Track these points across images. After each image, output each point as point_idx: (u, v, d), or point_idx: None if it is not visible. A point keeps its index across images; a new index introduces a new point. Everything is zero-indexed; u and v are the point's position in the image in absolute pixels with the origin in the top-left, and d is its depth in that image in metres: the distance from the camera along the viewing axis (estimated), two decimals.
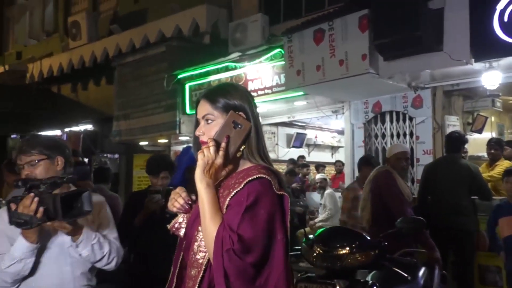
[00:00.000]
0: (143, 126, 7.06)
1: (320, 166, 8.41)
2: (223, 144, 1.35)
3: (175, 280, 1.47)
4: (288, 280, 1.33)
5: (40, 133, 2.73)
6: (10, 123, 8.81)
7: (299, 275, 2.76)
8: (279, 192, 1.36)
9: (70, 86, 9.35)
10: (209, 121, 1.43)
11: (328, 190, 6.59)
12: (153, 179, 3.33)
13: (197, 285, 1.33)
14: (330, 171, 8.99)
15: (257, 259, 1.26)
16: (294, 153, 8.64)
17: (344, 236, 2.60)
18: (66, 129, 8.69)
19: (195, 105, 1.53)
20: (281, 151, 8.56)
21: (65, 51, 8.75)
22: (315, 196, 7.19)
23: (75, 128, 8.49)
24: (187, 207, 1.49)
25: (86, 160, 8.60)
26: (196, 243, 1.39)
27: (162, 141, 7.45)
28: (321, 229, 2.83)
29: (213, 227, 1.29)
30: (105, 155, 8.95)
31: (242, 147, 1.40)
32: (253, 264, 1.25)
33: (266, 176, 1.35)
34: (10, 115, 8.93)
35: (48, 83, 9.46)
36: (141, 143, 7.69)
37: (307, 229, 6.05)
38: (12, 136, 9.84)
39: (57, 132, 8.98)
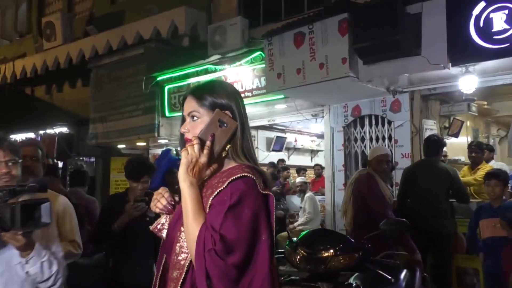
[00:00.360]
0: (120, 129, 6.92)
1: (301, 170, 8.44)
2: (208, 143, 1.33)
3: (157, 283, 1.43)
4: (274, 281, 1.30)
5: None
6: None
7: (282, 278, 2.74)
8: (264, 192, 1.33)
9: (45, 87, 9.10)
10: (195, 118, 1.41)
11: (308, 194, 6.60)
12: (133, 184, 3.25)
13: (179, 287, 1.30)
14: (310, 174, 9.03)
15: (240, 260, 1.23)
16: (274, 157, 8.65)
17: (327, 239, 2.58)
18: (41, 132, 8.46)
19: (178, 105, 1.49)
20: (261, 155, 8.54)
21: (39, 52, 8.51)
22: (295, 200, 7.19)
23: (49, 131, 8.27)
24: (170, 207, 1.46)
25: (60, 163, 8.41)
26: (178, 244, 1.35)
27: (141, 144, 7.32)
28: (305, 232, 2.81)
29: (196, 227, 1.26)
30: (81, 158, 8.75)
31: (228, 146, 1.37)
32: (236, 265, 1.22)
33: (250, 175, 1.32)
34: None
35: (21, 85, 9.18)
36: (119, 146, 7.55)
37: (284, 233, 6.05)
38: None
39: (31, 135, 8.74)
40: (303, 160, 9.79)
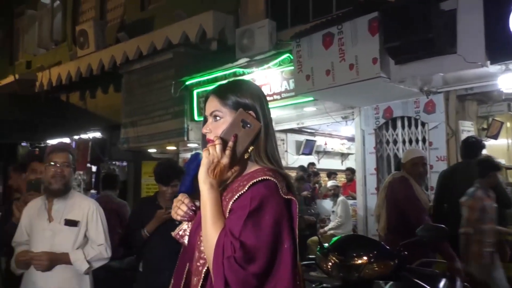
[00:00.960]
0: (151, 133, 7.00)
1: (332, 174, 8.29)
2: (230, 143, 1.27)
3: None
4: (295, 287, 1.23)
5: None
6: (20, 132, 8.85)
7: (313, 285, 2.67)
8: (286, 197, 1.27)
9: (79, 94, 9.37)
10: (217, 118, 1.36)
11: (341, 197, 6.48)
12: (163, 187, 3.26)
13: None
14: (340, 178, 8.87)
15: (261, 269, 1.17)
16: (304, 161, 8.53)
17: (361, 245, 2.46)
18: (75, 137, 8.69)
19: (203, 107, 1.45)
20: (291, 158, 8.46)
21: (73, 59, 8.77)
22: (326, 204, 7.06)
23: (83, 136, 8.47)
24: (191, 213, 1.42)
25: (94, 168, 8.61)
26: (197, 250, 1.32)
27: (171, 148, 7.39)
28: (336, 237, 2.71)
29: (214, 232, 1.21)
30: (113, 162, 8.92)
31: (250, 148, 1.32)
32: (256, 274, 1.16)
33: (272, 179, 1.26)
34: (20, 124, 8.97)
35: (57, 92, 9.49)
36: (149, 150, 7.64)
37: (315, 238, 5.93)
38: (22, 144, 9.88)
39: (66, 140, 8.99)
40: (334, 164, 9.63)
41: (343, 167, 9.27)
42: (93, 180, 8.69)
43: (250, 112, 1.34)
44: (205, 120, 1.40)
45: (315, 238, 5.93)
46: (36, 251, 2.50)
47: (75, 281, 2.54)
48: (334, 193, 6.61)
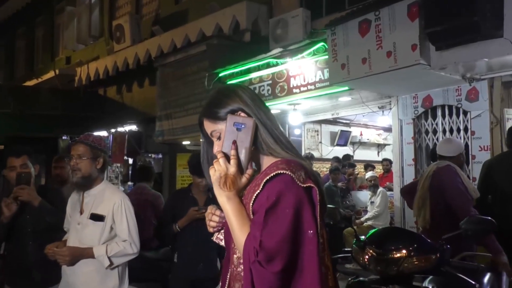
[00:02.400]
0: (185, 126, 7.06)
1: (369, 166, 8.12)
2: (232, 152, 1.27)
3: None
4: (323, 281, 1.20)
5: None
6: (61, 125, 9.16)
7: (349, 279, 2.60)
8: (304, 185, 1.23)
9: (115, 88, 9.58)
10: (218, 136, 1.36)
11: (381, 188, 6.37)
12: (197, 179, 3.27)
13: None
14: (377, 169, 8.66)
15: (283, 265, 1.15)
16: (339, 152, 8.39)
17: (399, 238, 2.37)
18: (112, 130, 8.90)
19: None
20: (325, 150, 8.34)
21: (110, 54, 8.96)
22: (362, 196, 6.93)
23: (120, 129, 8.67)
24: (224, 220, 1.42)
25: (130, 160, 8.79)
26: (235, 255, 1.30)
27: None
28: (374, 230, 2.63)
29: (242, 239, 1.22)
30: (149, 155, 9.09)
31: (252, 147, 1.31)
32: (279, 272, 1.15)
33: (286, 172, 1.22)
34: (61, 118, 9.29)
35: (95, 86, 9.75)
36: (184, 143, 7.72)
37: (351, 229, 5.82)
38: (63, 137, 10.24)
39: (104, 133, 9.23)
40: (369, 155, 9.42)
41: (379, 158, 9.06)
42: (130, 172, 8.89)
43: (238, 112, 1.33)
44: (210, 144, 1.41)
45: (351, 229, 5.82)
46: (69, 241, 2.56)
47: (100, 275, 2.52)
48: (374, 184, 6.51)
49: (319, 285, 1.18)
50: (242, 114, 1.33)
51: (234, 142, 1.28)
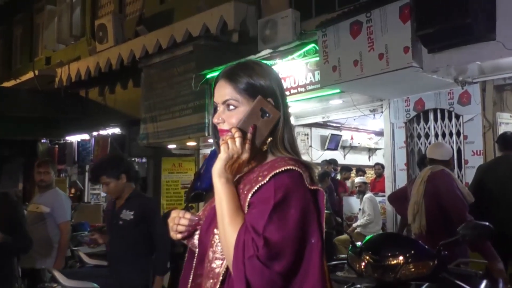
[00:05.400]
0: (170, 129, 6.88)
1: (360, 170, 8.05)
2: (249, 135, 1.15)
3: None
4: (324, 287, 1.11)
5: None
6: (40, 128, 8.88)
7: (345, 286, 2.56)
8: (312, 187, 1.16)
9: (98, 89, 9.34)
10: (231, 106, 1.21)
11: (367, 194, 6.24)
12: None
13: None
14: (368, 174, 8.61)
15: (287, 267, 1.07)
16: (329, 156, 8.29)
17: (396, 244, 2.36)
18: (94, 133, 8.65)
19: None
20: (315, 154, 8.23)
21: (92, 54, 8.72)
22: (353, 201, 6.83)
23: (103, 132, 8.43)
24: (195, 221, 1.30)
25: None
26: (211, 249, 1.17)
27: (191, 143, 7.25)
28: (370, 236, 2.56)
29: (233, 229, 1.09)
30: (133, 159, 8.85)
31: (269, 139, 1.19)
32: (281, 273, 1.06)
33: (295, 168, 1.14)
34: (40, 120, 9.00)
35: (76, 87, 9.48)
36: (169, 146, 7.53)
37: (342, 237, 5.73)
38: (42, 141, 9.93)
39: (85, 136, 8.97)
40: (360, 159, 9.36)
41: (371, 163, 9.01)
42: None
43: (269, 99, 1.20)
44: (215, 108, 1.26)
45: (342, 237, 5.73)
46: None
47: None
48: (359, 190, 6.39)
49: None
50: (272, 102, 1.21)
51: (254, 127, 1.16)
